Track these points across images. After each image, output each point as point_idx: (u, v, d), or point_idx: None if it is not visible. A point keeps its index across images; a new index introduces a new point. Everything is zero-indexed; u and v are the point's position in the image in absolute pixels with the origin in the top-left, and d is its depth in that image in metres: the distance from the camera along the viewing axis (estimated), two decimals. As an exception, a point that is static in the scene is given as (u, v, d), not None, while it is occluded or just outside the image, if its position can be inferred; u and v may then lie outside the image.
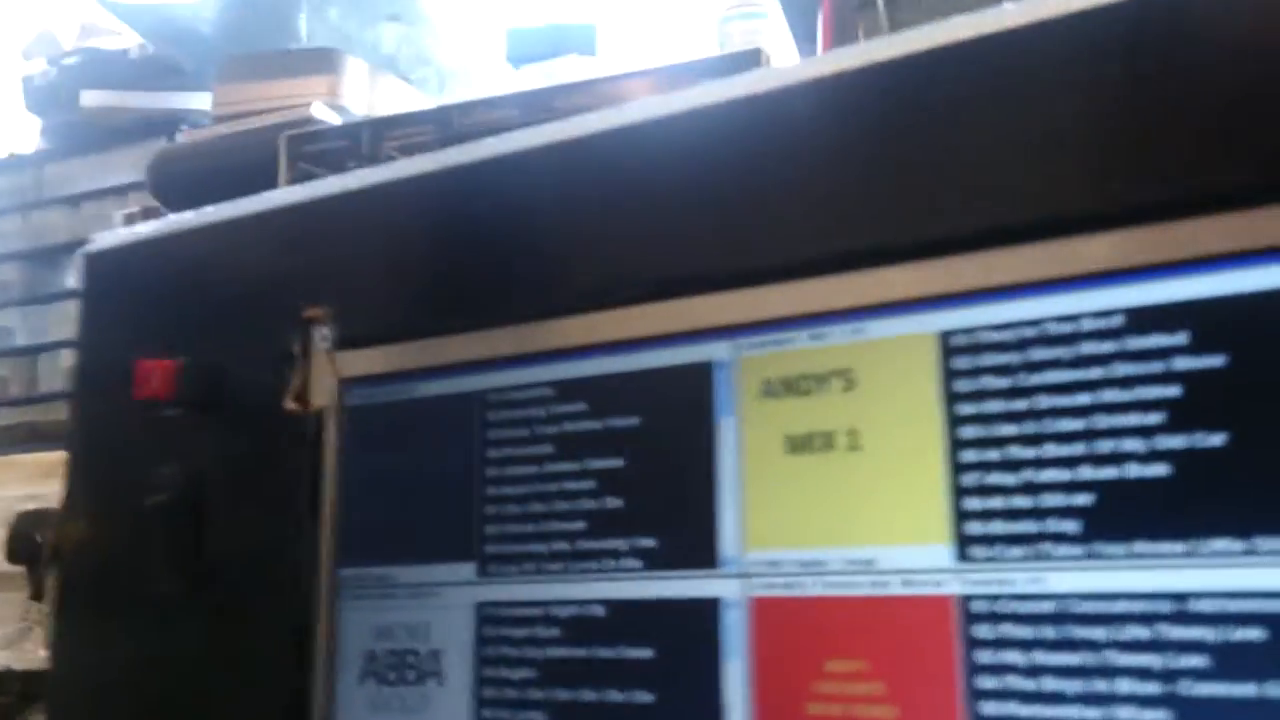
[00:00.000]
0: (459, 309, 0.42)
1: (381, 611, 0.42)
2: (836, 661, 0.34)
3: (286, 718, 0.43)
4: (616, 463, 0.38)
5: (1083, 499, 0.31)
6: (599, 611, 0.38)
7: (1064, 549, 0.31)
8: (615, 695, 0.37)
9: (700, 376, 0.37)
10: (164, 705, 0.46)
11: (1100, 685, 0.31)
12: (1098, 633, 0.31)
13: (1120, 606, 0.31)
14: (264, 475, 0.46)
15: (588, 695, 0.37)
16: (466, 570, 0.40)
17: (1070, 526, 0.31)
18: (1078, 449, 0.32)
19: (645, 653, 0.37)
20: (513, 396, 0.41)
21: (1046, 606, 0.32)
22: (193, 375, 0.46)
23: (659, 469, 0.37)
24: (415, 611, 0.41)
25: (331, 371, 0.44)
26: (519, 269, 0.41)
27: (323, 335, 0.45)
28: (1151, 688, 0.30)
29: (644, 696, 0.36)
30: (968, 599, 0.32)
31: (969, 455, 0.33)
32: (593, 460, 0.39)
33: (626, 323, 0.39)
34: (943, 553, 0.33)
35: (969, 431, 0.33)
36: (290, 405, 0.45)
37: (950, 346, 0.33)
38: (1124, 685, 0.30)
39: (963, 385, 0.33)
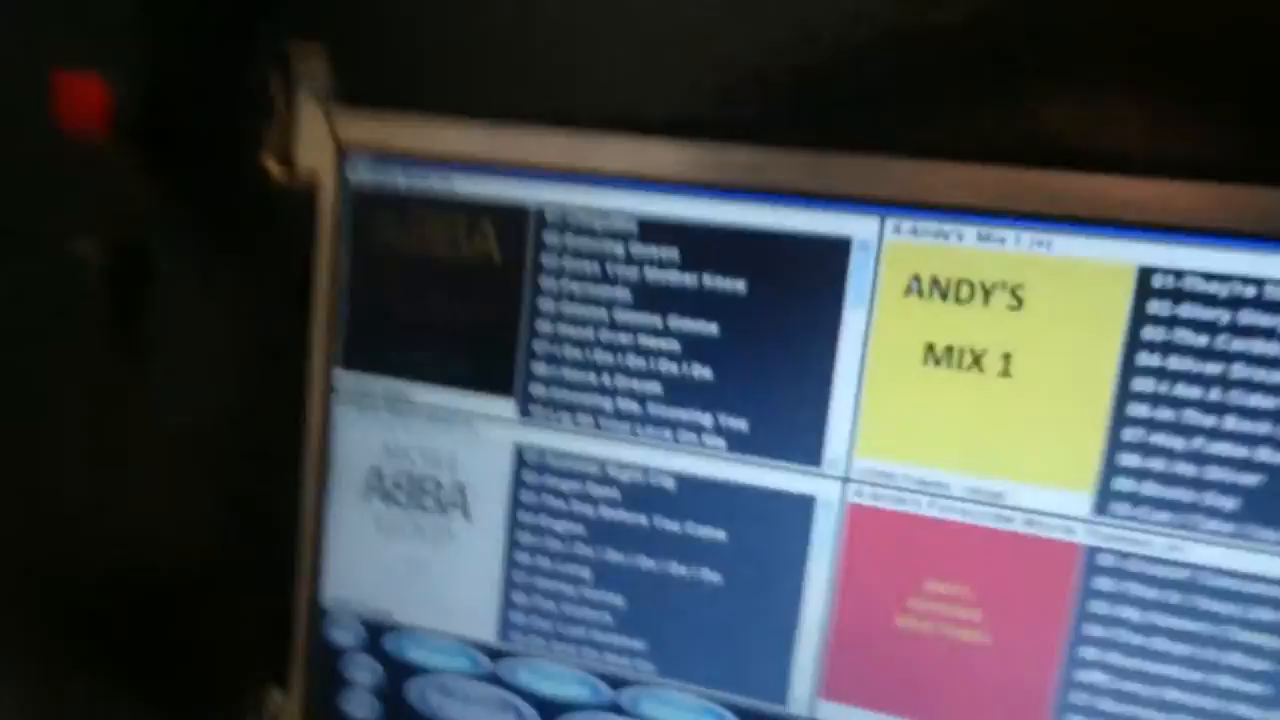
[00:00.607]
0: (522, 91, 0.34)
1: (392, 429, 0.37)
2: (936, 582, 0.32)
3: (266, 523, 0.38)
4: (710, 328, 0.33)
5: (1251, 479, 0.30)
6: (669, 484, 0.34)
7: (1214, 524, 0.30)
8: (679, 569, 0.34)
9: (834, 253, 0.32)
10: (104, 504, 0.40)
11: (1211, 654, 0.30)
12: (1223, 608, 0.30)
13: (1255, 588, 0.30)
14: (234, 244, 0.38)
15: (645, 563, 0.35)
16: (504, 407, 0.35)
17: (1229, 504, 0.30)
18: (1262, 428, 0.29)
19: (718, 534, 0.34)
20: (581, 222, 0.34)
21: (1179, 574, 0.30)
22: (138, 100, 0.36)
23: (765, 348, 0.33)
24: (437, 437, 0.36)
25: (327, 132, 0.36)
26: (618, 53, 0.33)
27: (313, 81, 0.36)
28: (1261, 664, 0.30)
29: (711, 576, 0.34)
30: (1096, 551, 0.31)
31: (1139, 409, 0.30)
32: (682, 319, 0.33)
33: (753, 164, 0.32)
34: (1082, 501, 0.31)
35: (1146, 384, 0.30)
36: (270, 164, 0.36)
37: (1150, 287, 0.29)
38: (1235, 658, 0.30)
39: (1152, 333, 0.30)
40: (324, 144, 0.36)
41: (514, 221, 0.34)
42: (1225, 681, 0.31)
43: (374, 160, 0.35)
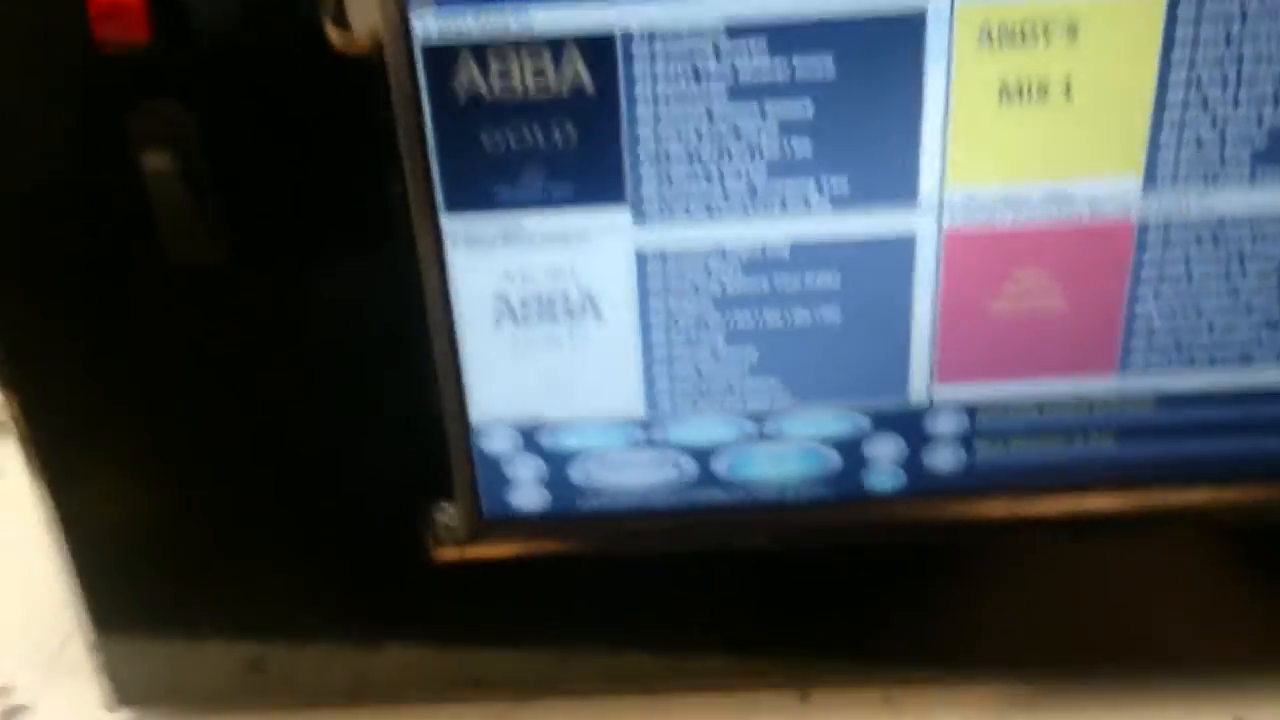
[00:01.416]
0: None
1: (511, 259, 0.39)
2: (1020, 273, 0.39)
3: (407, 370, 0.41)
4: (804, 107, 0.37)
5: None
6: (783, 249, 0.39)
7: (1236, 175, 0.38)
8: (801, 315, 0.40)
9: (913, 20, 0.36)
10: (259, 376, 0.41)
11: (1238, 281, 0.39)
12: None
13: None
14: (305, 121, 0.38)
15: (770, 317, 0.40)
16: (619, 215, 0.39)
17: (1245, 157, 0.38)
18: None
19: (834, 279, 0.39)
20: (669, 32, 0.36)
21: (1210, 223, 0.39)
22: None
23: (857, 113, 0.37)
24: (557, 256, 0.39)
25: (381, -17, 0.36)
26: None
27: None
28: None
29: (831, 314, 0.40)
30: (1146, 219, 0.38)
31: (1175, 97, 0.37)
32: (777, 104, 0.37)
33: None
34: (1133, 182, 0.38)
35: (1179, 78, 0.36)
36: (330, 31, 0.36)
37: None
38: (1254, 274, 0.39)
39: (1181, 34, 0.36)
40: None
41: (600, 45, 0.36)
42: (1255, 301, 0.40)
43: (439, 7, 0.36)
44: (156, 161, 0.37)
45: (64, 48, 0.36)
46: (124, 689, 0.48)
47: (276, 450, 0.43)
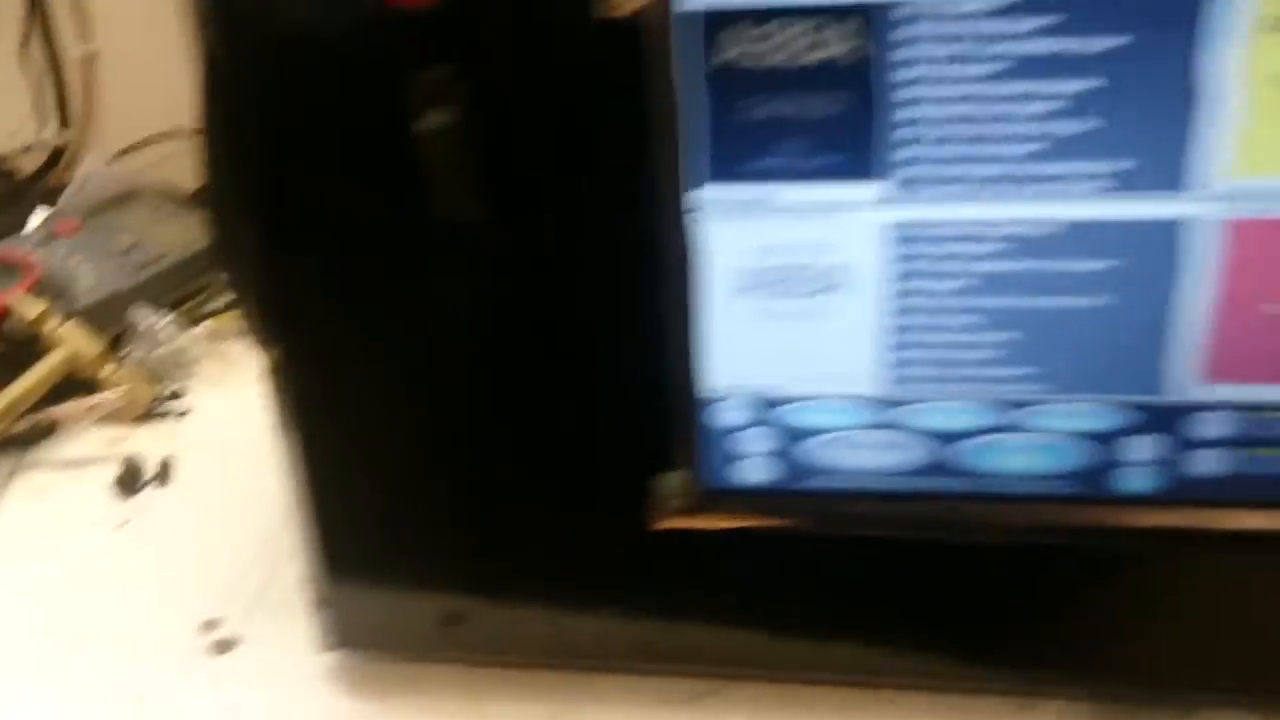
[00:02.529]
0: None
1: (759, 232, 0.39)
2: (1304, 269, 0.37)
3: (647, 338, 0.41)
4: (1079, 88, 0.35)
5: None
6: (1049, 230, 0.37)
7: None
8: (1063, 301, 0.38)
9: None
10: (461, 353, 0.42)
11: None
12: None
13: None
14: (572, 88, 0.38)
15: (1028, 302, 0.38)
16: (876, 189, 0.38)
17: None
18: None
19: (1101, 268, 0.38)
20: (938, 9, 0.35)
21: None
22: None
23: (1133, 97, 0.35)
24: (808, 230, 0.39)
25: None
26: None
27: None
28: None
29: (1097, 301, 0.38)
30: None
31: None
32: (1049, 85, 0.35)
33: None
34: None
35: None
36: (599, 2, 0.36)
37: None
38: None
39: None
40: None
41: (867, 14, 0.35)
42: None
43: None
44: (433, 120, 0.37)
45: (356, 5, 0.36)
46: (339, 631, 0.49)
47: (510, 408, 0.43)
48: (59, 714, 0.50)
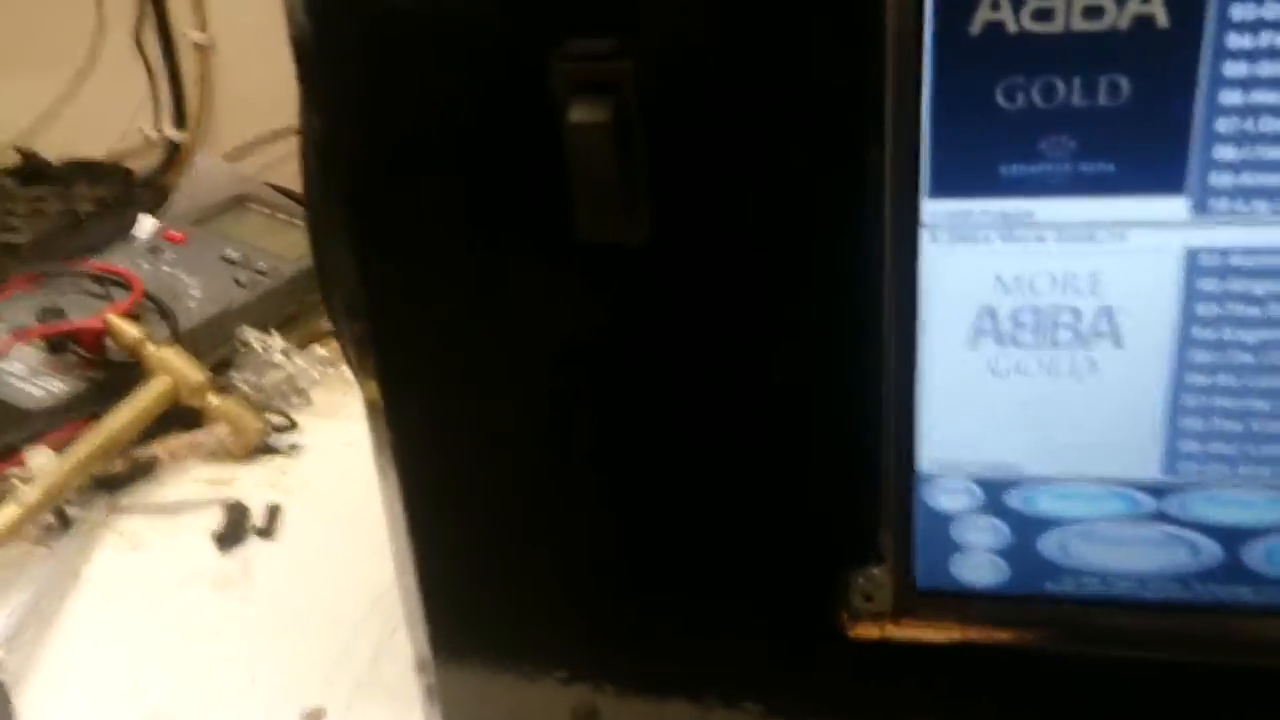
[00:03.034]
0: None
1: (1008, 258, 0.29)
2: None
3: (847, 400, 0.32)
4: None
5: None
6: None
7: None
8: None
9: None
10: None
11: None
12: None
13: None
14: (765, 72, 0.29)
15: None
16: (1171, 206, 0.28)
17: None
18: None
19: None
20: None
21: None
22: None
23: None
24: (1072, 258, 0.29)
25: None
26: None
27: None
28: None
29: None
30: None
31: None
32: None
33: None
34: None
35: None
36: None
37: None
38: None
39: None
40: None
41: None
42: None
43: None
44: (584, 113, 0.29)
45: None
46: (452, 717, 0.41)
47: (667, 476, 0.35)
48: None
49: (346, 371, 0.68)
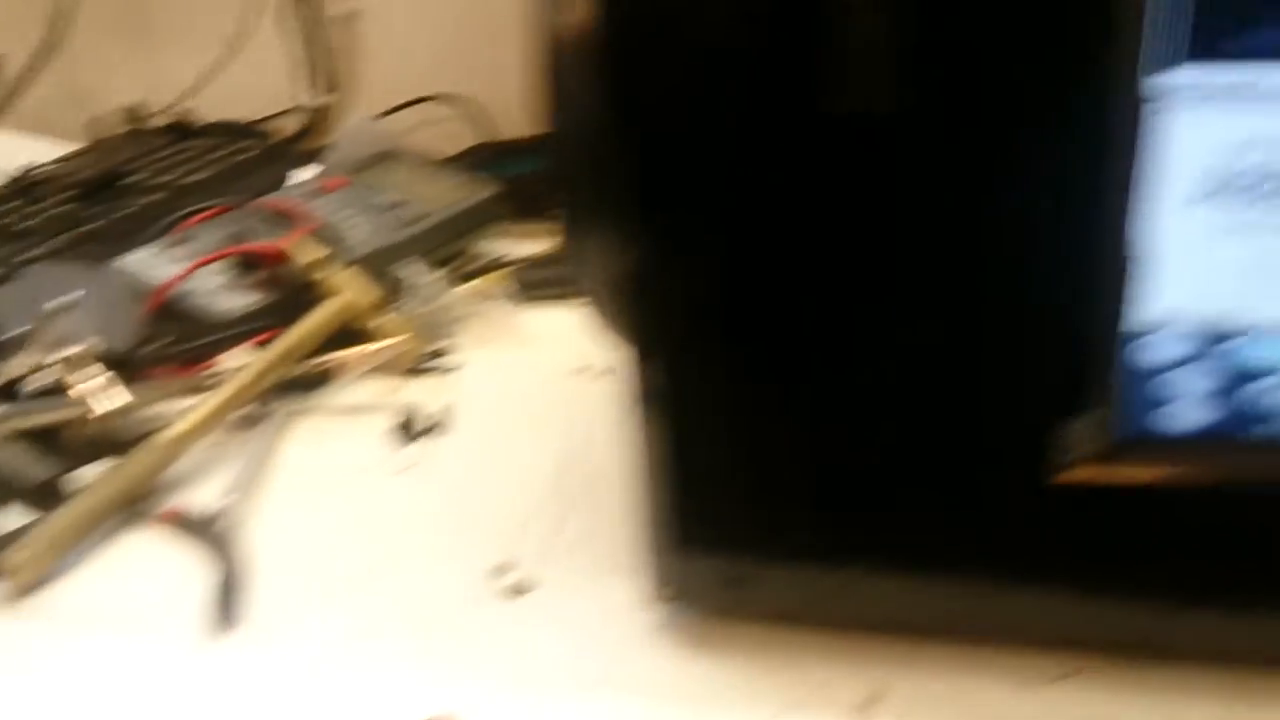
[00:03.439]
0: None
1: (1237, 122, 0.33)
2: None
3: (1070, 255, 0.36)
4: None
5: None
6: None
7: None
8: None
9: None
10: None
11: None
12: None
13: None
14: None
15: None
16: None
17: None
18: None
19: None
20: None
21: None
22: None
23: None
24: (1295, 121, 0.33)
25: None
26: None
27: None
28: None
29: None
30: None
31: None
32: None
33: None
34: None
35: None
36: None
37: None
38: None
39: None
40: None
41: None
42: None
43: None
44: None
45: None
46: (668, 584, 0.45)
47: (890, 338, 0.39)
48: (351, 649, 0.47)
49: (497, 307, 0.73)
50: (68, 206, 0.81)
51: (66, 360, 0.56)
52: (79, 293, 0.59)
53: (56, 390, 0.57)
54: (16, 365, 0.54)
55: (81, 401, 0.56)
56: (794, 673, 0.43)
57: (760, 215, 0.38)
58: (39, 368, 0.55)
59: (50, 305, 0.57)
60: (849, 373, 0.39)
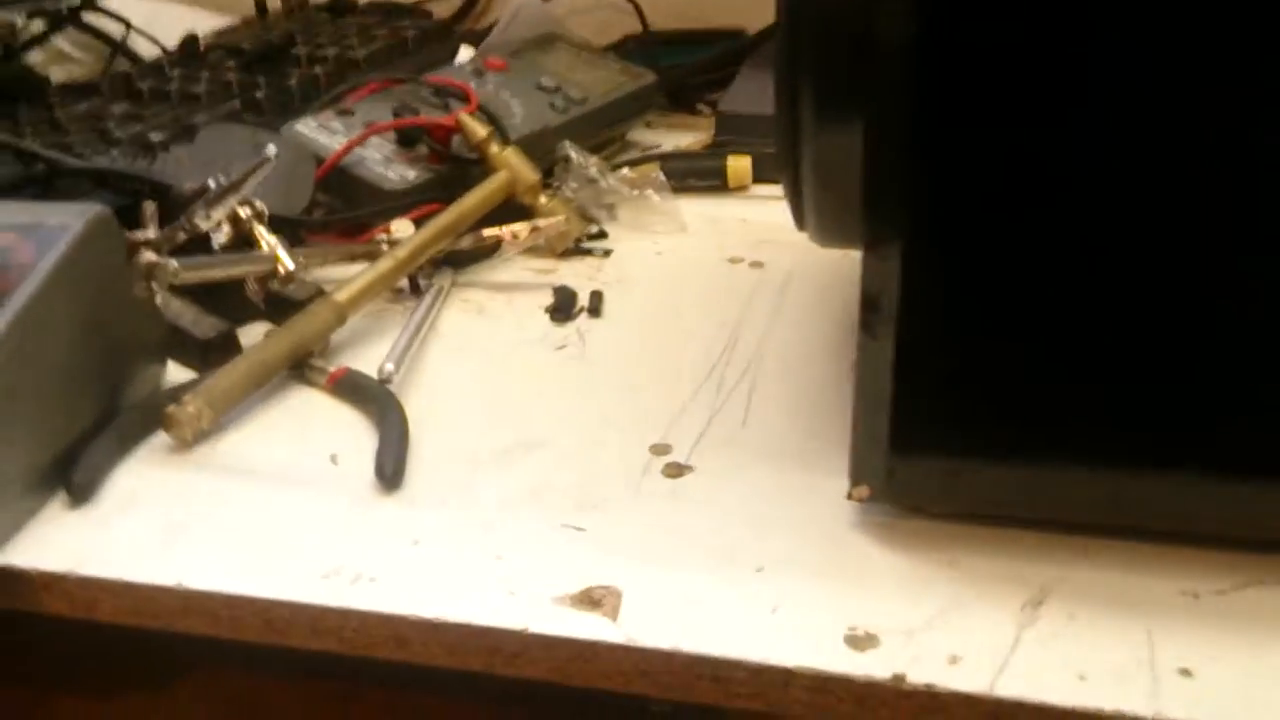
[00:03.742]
0: None
1: None
2: None
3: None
4: None
5: None
6: None
7: None
8: None
9: None
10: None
11: None
12: None
13: None
14: None
15: None
16: None
17: None
18: None
19: None
20: None
21: None
22: None
23: None
24: None
25: None
26: None
27: None
28: None
29: None
30: None
31: None
32: None
33: None
34: None
35: None
36: None
37: None
38: None
39: None
40: None
41: None
42: None
43: None
44: None
45: None
46: (861, 477, 0.45)
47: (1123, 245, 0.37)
48: (512, 515, 0.48)
49: (651, 195, 0.72)
50: (233, 75, 0.82)
51: (248, 217, 0.58)
52: (268, 151, 0.60)
53: (238, 246, 0.58)
54: (200, 219, 0.55)
55: (264, 258, 0.58)
56: (964, 569, 0.43)
57: (1021, 115, 0.37)
58: (222, 222, 0.56)
59: (237, 165, 0.58)
60: (1083, 278, 0.38)
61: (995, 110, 0.37)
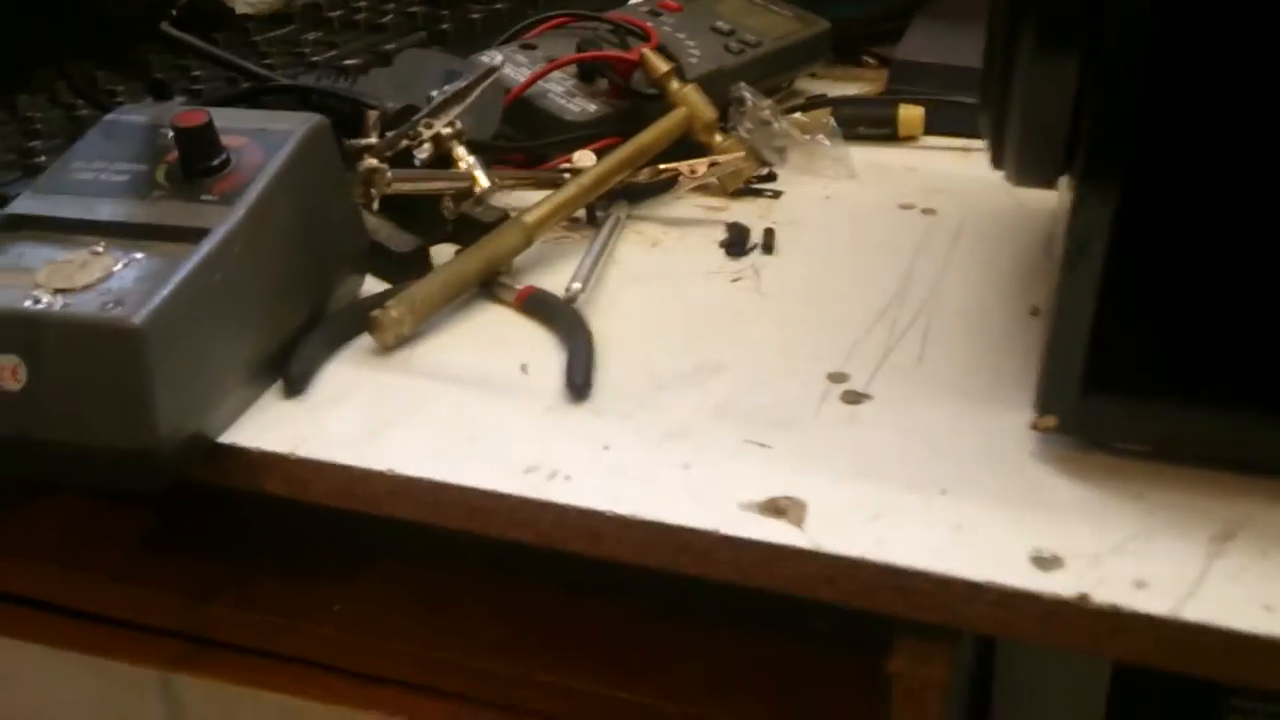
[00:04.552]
0: None
1: None
2: None
3: None
4: None
5: None
6: None
7: None
8: None
9: None
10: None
11: None
12: None
13: None
14: None
15: None
16: None
17: None
18: None
19: None
20: None
21: None
22: None
23: None
24: None
25: None
26: None
27: None
28: None
29: None
30: None
31: None
32: None
33: None
34: None
35: None
36: None
37: None
38: None
39: None
40: None
41: None
42: None
43: None
44: None
45: None
46: (1047, 411, 0.45)
47: None
48: (698, 428, 0.50)
49: (822, 140, 0.73)
50: (419, 7, 0.85)
51: (448, 136, 0.60)
52: (472, 74, 0.62)
53: (439, 164, 0.61)
54: (424, 127, 0.58)
55: (462, 175, 0.60)
56: (1150, 502, 0.44)
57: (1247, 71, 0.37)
58: (425, 141, 0.59)
59: (442, 88, 0.61)
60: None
61: (1221, 59, 0.38)
